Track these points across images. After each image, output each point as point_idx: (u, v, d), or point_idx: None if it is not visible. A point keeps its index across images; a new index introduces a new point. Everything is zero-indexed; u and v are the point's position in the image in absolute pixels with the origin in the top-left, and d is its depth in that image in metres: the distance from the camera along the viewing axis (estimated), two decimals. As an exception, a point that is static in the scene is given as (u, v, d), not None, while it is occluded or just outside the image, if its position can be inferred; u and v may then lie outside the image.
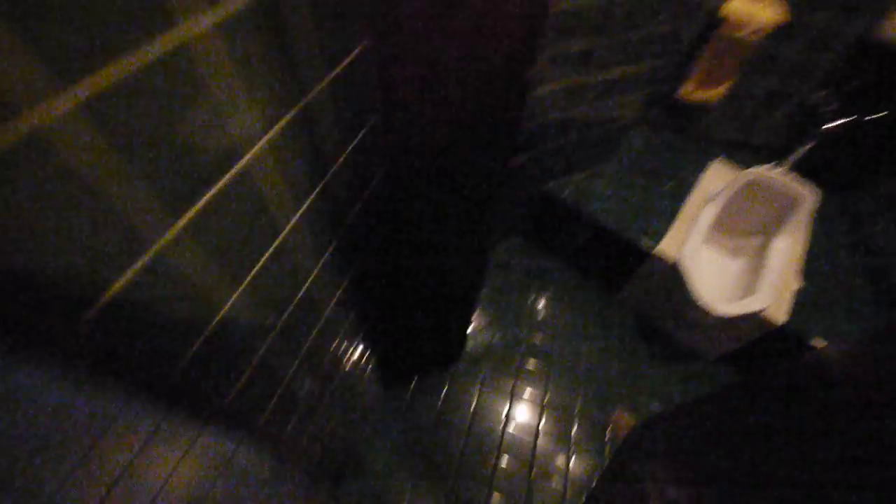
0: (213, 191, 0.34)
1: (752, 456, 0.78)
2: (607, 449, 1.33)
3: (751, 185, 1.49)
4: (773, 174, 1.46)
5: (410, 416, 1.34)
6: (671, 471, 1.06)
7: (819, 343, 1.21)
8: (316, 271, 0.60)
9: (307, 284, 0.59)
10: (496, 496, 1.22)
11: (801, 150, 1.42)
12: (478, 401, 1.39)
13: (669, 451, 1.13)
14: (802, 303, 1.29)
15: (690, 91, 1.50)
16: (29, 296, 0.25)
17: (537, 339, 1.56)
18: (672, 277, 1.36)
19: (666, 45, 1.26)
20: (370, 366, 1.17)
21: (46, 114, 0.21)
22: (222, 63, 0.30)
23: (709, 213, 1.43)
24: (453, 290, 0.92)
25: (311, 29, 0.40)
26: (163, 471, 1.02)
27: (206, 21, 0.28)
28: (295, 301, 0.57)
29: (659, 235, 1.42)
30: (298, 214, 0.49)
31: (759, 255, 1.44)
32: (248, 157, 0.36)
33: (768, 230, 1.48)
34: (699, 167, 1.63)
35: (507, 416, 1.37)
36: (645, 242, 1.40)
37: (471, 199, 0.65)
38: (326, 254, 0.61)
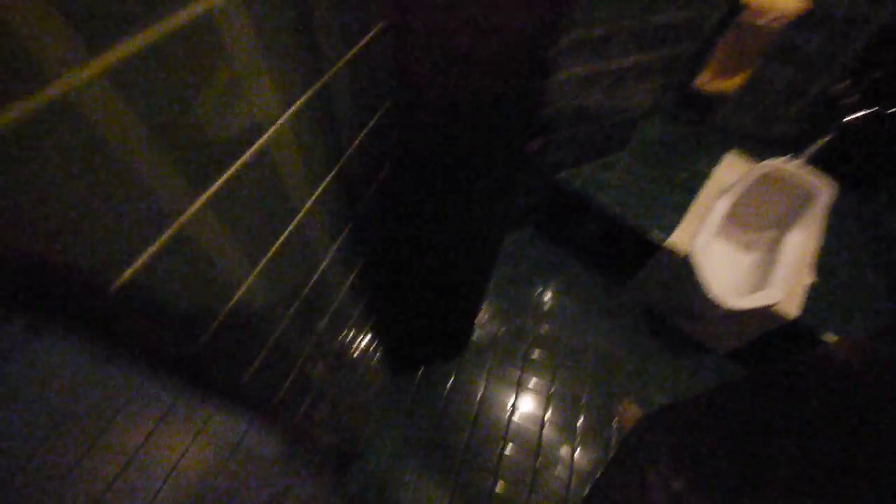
0: (235, 167, 0.33)
1: (759, 450, 0.78)
2: (613, 440, 1.33)
3: (765, 178, 1.46)
4: (788, 167, 1.43)
5: (417, 405, 1.35)
6: (676, 463, 1.06)
7: (831, 338, 1.20)
8: (330, 256, 0.60)
9: (321, 269, 0.59)
10: (501, 484, 1.23)
11: (819, 143, 1.39)
12: (484, 390, 1.40)
13: (675, 443, 1.13)
14: (815, 298, 1.27)
15: (707, 81, 1.47)
16: (58, 266, 0.25)
17: (544, 329, 1.55)
18: (682, 270, 1.34)
19: (685, 32, 1.23)
20: (377, 355, 1.17)
21: (75, 81, 0.21)
22: (245, 35, 0.30)
23: (722, 206, 1.41)
24: (464, 279, 0.91)
25: (332, 5, 0.39)
26: (176, 450, 1.05)
27: (229, -10, 0.27)
28: (309, 285, 0.57)
29: (670, 228, 1.40)
30: (314, 197, 0.49)
31: (772, 249, 1.42)
32: (268, 134, 0.36)
33: (782, 224, 1.46)
34: (713, 159, 1.61)
35: (513, 406, 1.38)
36: (656, 234, 1.39)
37: (486, 183, 0.64)
38: (341, 237, 0.60)
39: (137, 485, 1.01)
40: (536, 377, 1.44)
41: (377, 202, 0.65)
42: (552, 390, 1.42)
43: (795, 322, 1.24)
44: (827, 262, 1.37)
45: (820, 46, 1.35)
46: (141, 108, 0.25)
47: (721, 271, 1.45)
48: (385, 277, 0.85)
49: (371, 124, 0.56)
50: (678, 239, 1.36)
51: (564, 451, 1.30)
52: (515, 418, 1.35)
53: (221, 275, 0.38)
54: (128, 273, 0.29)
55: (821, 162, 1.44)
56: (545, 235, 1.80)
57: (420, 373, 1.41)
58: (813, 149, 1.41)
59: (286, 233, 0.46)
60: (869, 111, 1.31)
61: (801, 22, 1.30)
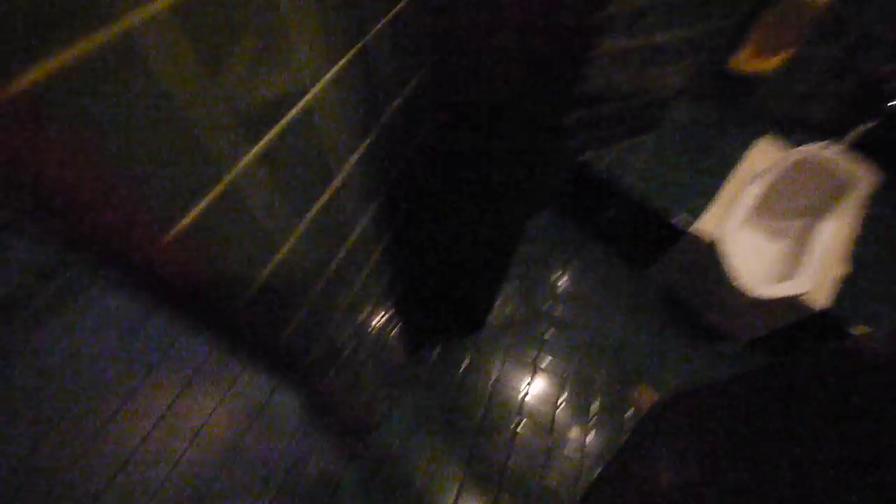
0: (282, 122, 0.33)
1: (776, 442, 0.77)
2: (627, 423, 1.34)
3: (801, 165, 1.40)
4: (826, 153, 1.37)
5: (433, 381, 1.37)
6: (690, 449, 1.06)
7: (860, 330, 1.16)
8: (361, 226, 0.59)
9: (352, 238, 0.59)
10: (514, 459, 1.25)
11: (861, 129, 1.32)
12: (499, 369, 1.41)
13: (690, 429, 1.13)
14: (847, 289, 1.23)
15: (744, 60, 1.40)
16: (116, 213, 0.25)
17: (561, 311, 1.55)
18: (707, 257, 1.31)
19: (724, 7, 1.17)
20: (396, 330, 1.19)
21: (138, 19, 0.21)
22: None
23: (752, 193, 1.37)
24: (488, 257, 0.91)
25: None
26: (202, 412, 1.09)
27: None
28: (340, 254, 0.57)
29: (697, 213, 1.37)
30: (352, 161, 0.48)
31: (803, 238, 1.38)
32: (314, 90, 0.35)
33: (815, 212, 1.40)
34: (745, 143, 1.55)
35: (528, 385, 1.39)
36: (682, 220, 1.36)
37: (521, 155, 0.63)
38: (371, 207, 0.60)
39: (165, 445, 1.06)
40: (552, 358, 1.44)
41: (410, 170, 0.65)
42: (567, 372, 1.42)
43: (823, 313, 1.20)
44: (863, 254, 1.32)
45: (868, 24, 1.27)
46: (200, 45, 0.24)
47: (748, 259, 1.42)
48: (410, 253, 0.85)
49: (407, 91, 0.54)
50: (705, 224, 1.33)
51: (578, 431, 1.31)
52: (530, 398, 1.36)
53: (264, 234, 0.38)
54: (182, 224, 0.29)
55: (862, 149, 1.38)
56: (565, 217, 1.77)
57: (437, 350, 1.43)
58: (854, 134, 1.34)
59: (326, 195, 0.45)
60: (919, 95, 1.24)
61: (852, -3, 1.22)
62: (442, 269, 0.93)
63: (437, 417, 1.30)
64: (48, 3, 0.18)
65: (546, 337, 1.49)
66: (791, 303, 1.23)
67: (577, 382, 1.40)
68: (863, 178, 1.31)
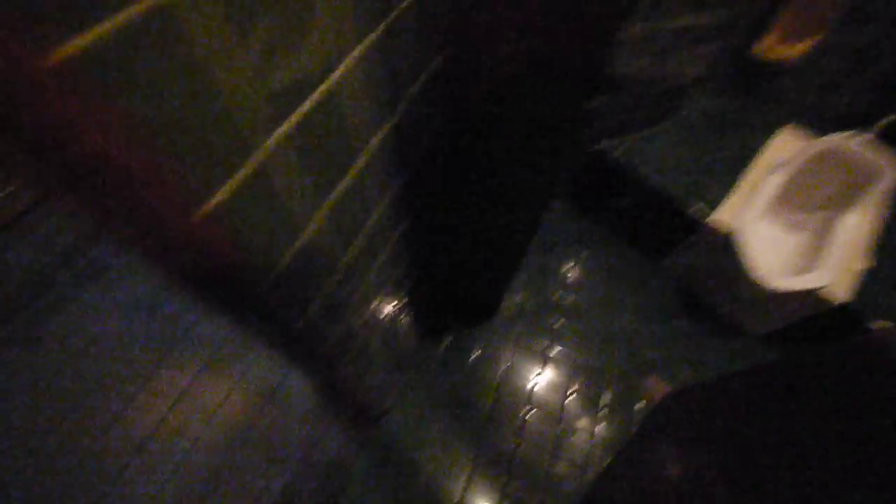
0: (312, 99, 0.32)
1: (789, 437, 0.76)
2: (637, 415, 1.34)
3: (824, 155, 1.37)
4: (851, 144, 1.33)
5: (444, 369, 1.38)
6: (701, 441, 1.05)
7: (881, 325, 1.14)
8: (382, 208, 0.59)
9: (373, 221, 0.59)
10: (524, 447, 1.26)
11: (891, 118, 1.28)
12: (510, 358, 1.41)
13: (700, 422, 1.12)
14: (868, 283, 1.21)
15: (768, 47, 1.36)
16: (149, 187, 0.25)
17: (573, 301, 1.54)
18: (724, 248, 1.29)
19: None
20: (409, 318, 1.19)
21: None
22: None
23: (773, 183, 1.33)
24: (505, 245, 0.90)
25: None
26: (219, 394, 1.10)
27: None
28: (362, 236, 0.57)
29: (714, 204, 1.34)
30: (373, 144, 0.48)
31: (823, 230, 1.35)
32: (340, 69, 0.35)
33: (836, 205, 1.37)
34: (766, 133, 1.51)
35: (538, 374, 1.39)
36: (698, 210, 1.33)
37: (540, 141, 0.62)
38: (392, 191, 0.60)
39: (183, 425, 1.08)
40: (562, 348, 1.44)
41: (427, 159, 0.64)
42: (578, 362, 1.42)
43: (843, 307, 1.18)
44: (886, 248, 1.28)
45: (905, 8, 1.22)
46: (233, 22, 0.24)
47: (766, 251, 1.39)
48: (424, 241, 0.85)
49: (427, 74, 0.54)
50: (723, 216, 1.30)
51: (588, 421, 1.32)
52: (539, 387, 1.37)
53: (289, 217, 0.38)
54: (212, 203, 0.29)
55: (888, 140, 1.33)
56: (579, 206, 1.75)
57: (448, 339, 1.43)
58: (882, 125, 1.30)
59: (347, 180, 0.45)
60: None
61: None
62: (456, 258, 0.93)
63: (448, 405, 1.32)
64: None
65: (557, 327, 1.49)
66: (809, 296, 1.20)
67: (587, 373, 1.40)
68: (888, 171, 1.27)
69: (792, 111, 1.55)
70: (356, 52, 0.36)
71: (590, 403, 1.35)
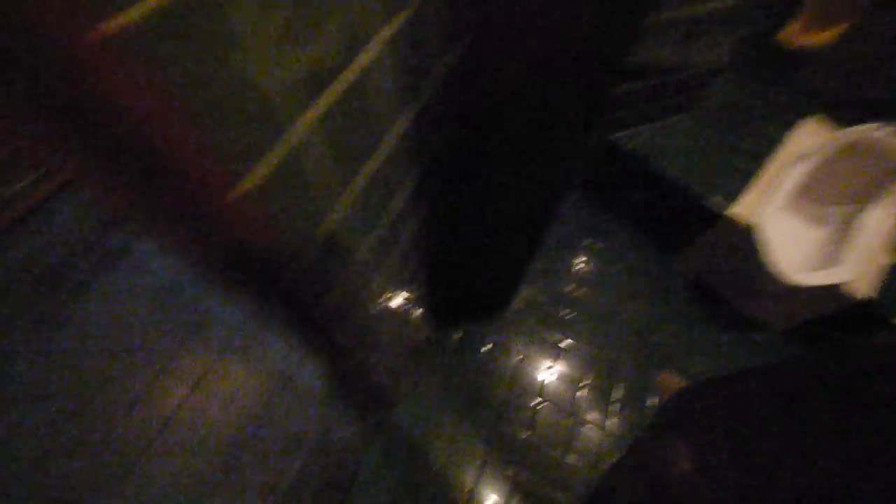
0: (342, 80, 0.32)
1: (806, 436, 0.75)
2: (649, 409, 1.33)
3: (850, 147, 1.32)
4: (879, 135, 1.29)
5: (457, 360, 1.39)
6: (714, 437, 1.04)
7: (905, 322, 1.11)
8: (403, 196, 0.59)
9: (393, 209, 0.59)
10: (536, 439, 1.26)
11: (921, 108, 1.23)
12: (522, 351, 1.41)
13: (716, 417, 1.11)
14: (893, 278, 1.18)
15: (794, 34, 1.32)
16: (188, 165, 0.25)
17: (586, 294, 1.53)
18: (743, 242, 1.27)
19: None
20: (422, 308, 1.20)
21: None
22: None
23: (795, 176, 1.30)
24: (519, 237, 0.90)
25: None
26: (236, 378, 1.13)
27: None
28: (382, 224, 0.57)
29: (733, 197, 1.31)
30: (397, 130, 0.48)
31: (847, 225, 1.31)
32: (368, 52, 0.35)
33: (862, 198, 1.33)
34: (789, 124, 1.46)
35: (551, 367, 1.39)
36: (717, 203, 1.31)
37: (562, 129, 0.61)
38: (412, 179, 0.60)
39: (201, 409, 1.11)
40: (575, 341, 1.44)
41: (447, 147, 0.64)
42: (590, 356, 1.41)
43: (865, 303, 1.15)
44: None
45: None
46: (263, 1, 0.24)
47: (787, 245, 1.36)
48: (442, 231, 0.85)
49: (451, 58, 0.53)
50: (742, 209, 1.28)
51: (599, 414, 1.31)
52: (551, 380, 1.37)
53: (317, 201, 0.38)
54: (246, 183, 0.29)
55: (919, 130, 1.28)
56: (593, 198, 1.73)
57: (461, 330, 1.44)
58: (912, 114, 1.25)
59: (371, 165, 0.45)
60: None
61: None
62: (472, 250, 0.93)
63: (460, 396, 1.32)
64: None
65: (569, 320, 1.48)
66: (831, 291, 1.18)
67: (599, 366, 1.39)
68: (918, 162, 1.23)
69: (816, 101, 1.51)
70: (384, 34, 0.36)
71: (602, 397, 1.34)
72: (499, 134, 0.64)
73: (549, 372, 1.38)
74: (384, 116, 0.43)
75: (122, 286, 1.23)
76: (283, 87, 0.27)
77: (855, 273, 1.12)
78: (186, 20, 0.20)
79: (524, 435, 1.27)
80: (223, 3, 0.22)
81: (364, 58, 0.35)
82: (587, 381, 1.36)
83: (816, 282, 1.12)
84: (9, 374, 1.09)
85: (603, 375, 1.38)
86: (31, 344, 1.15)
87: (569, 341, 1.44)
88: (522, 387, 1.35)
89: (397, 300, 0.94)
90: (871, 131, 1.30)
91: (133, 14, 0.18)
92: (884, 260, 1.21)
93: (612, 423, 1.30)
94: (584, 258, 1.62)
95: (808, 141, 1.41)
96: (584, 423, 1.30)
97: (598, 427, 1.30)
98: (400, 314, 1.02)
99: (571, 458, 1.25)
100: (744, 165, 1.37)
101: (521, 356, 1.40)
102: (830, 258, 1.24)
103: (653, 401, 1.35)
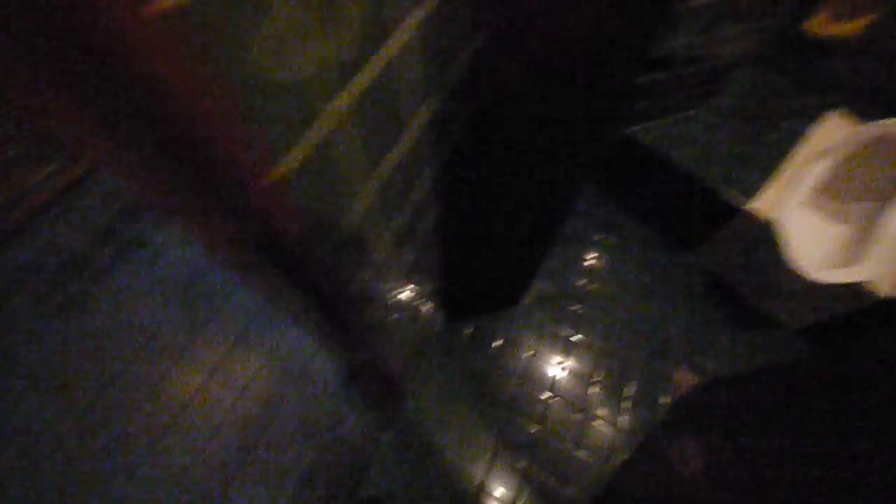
0: (373, 66, 0.32)
1: (824, 438, 0.73)
2: (661, 405, 1.32)
3: (875, 142, 1.28)
4: (907, 129, 1.25)
5: (468, 354, 1.39)
6: (727, 435, 1.03)
7: (931, 322, 1.09)
8: (422, 187, 0.59)
9: (414, 200, 0.58)
10: (546, 433, 1.26)
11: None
12: (533, 346, 1.41)
13: (728, 416, 1.09)
14: (918, 277, 1.14)
15: (821, 23, 1.27)
16: (230, 145, 0.25)
17: (598, 290, 1.52)
18: (761, 238, 1.24)
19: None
20: (435, 301, 1.20)
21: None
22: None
23: (818, 171, 1.27)
24: (538, 227, 0.89)
25: None
26: (251, 367, 1.14)
27: None
28: (402, 215, 0.57)
29: (752, 192, 1.29)
30: (419, 119, 0.47)
31: (871, 222, 1.28)
32: (401, 33, 0.34)
33: (887, 195, 1.29)
34: (813, 117, 1.42)
35: (562, 362, 1.38)
36: (735, 198, 1.28)
37: (586, 118, 0.60)
38: (432, 170, 0.59)
39: (218, 396, 1.13)
40: (586, 336, 1.43)
41: (467, 138, 0.63)
42: (602, 351, 1.40)
43: (887, 302, 1.13)
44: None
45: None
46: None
47: (808, 241, 1.33)
48: (459, 223, 0.84)
49: (473, 47, 0.52)
50: (762, 203, 1.25)
51: (611, 411, 1.31)
52: (563, 375, 1.36)
53: (345, 188, 0.38)
54: (282, 167, 0.29)
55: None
56: (604, 192, 1.71)
57: (472, 324, 1.44)
58: (943, 108, 1.21)
59: (394, 155, 0.45)
60: None
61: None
62: (486, 244, 0.92)
63: (470, 389, 1.33)
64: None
65: (581, 315, 1.47)
66: (852, 290, 1.15)
67: (611, 362, 1.39)
68: (949, 158, 1.19)
69: (842, 94, 1.46)
70: (416, 17, 0.35)
71: (614, 393, 1.34)
72: (519, 125, 0.63)
73: (560, 367, 1.37)
74: (409, 106, 0.43)
75: (140, 275, 1.25)
76: (317, 69, 0.27)
77: (877, 271, 1.10)
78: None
79: (534, 429, 1.27)
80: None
81: (395, 42, 0.34)
82: (599, 378, 1.36)
83: (837, 279, 1.09)
84: (32, 359, 1.12)
85: (615, 372, 1.37)
86: (53, 330, 1.18)
87: (580, 336, 1.43)
88: (533, 382, 1.35)
89: (411, 293, 0.94)
90: (898, 126, 1.25)
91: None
92: (909, 258, 1.17)
93: (624, 419, 1.30)
94: (597, 253, 1.60)
95: (832, 135, 1.37)
96: (595, 419, 1.30)
97: (609, 423, 1.29)
98: (412, 307, 1.02)
99: (582, 454, 1.25)
100: (765, 159, 1.34)
101: (533, 351, 1.40)
102: (852, 256, 1.22)
103: (665, 398, 1.34)
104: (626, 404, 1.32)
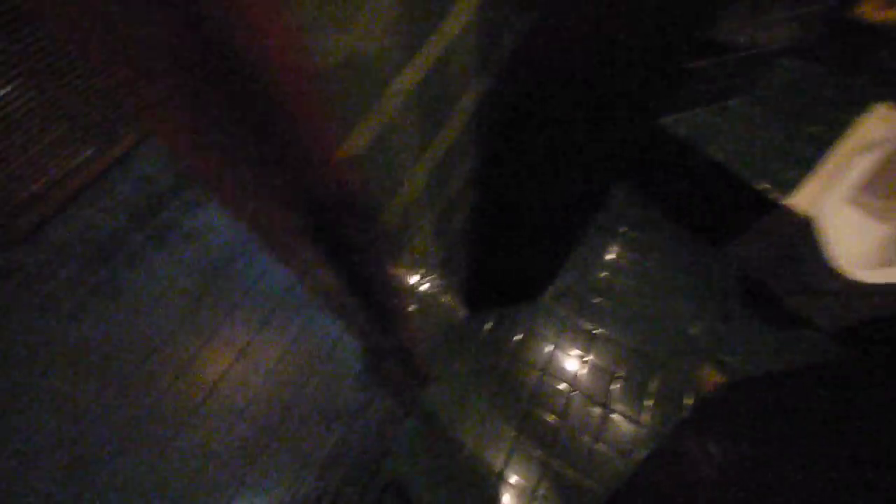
0: (435, 46, 0.31)
1: (850, 441, 0.70)
2: (685, 402, 1.30)
3: (928, 135, 1.21)
4: (964, 122, 1.18)
5: (490, 346, 1.39)
6: (754, 435, 1.01)
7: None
8: (461, 176, 0.58)
9: (453, 188, 0.58)
10: (567, 426, 1.26)
11: None
12: (554, 340, 1.40)
13: (753, 417, 1.07)
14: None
15: (874, 7, 1.20)
16: (304, 125, 0.25)
17: (623, 284, 1.49)
18: (799, 235, 1.20)
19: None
20: (459, 291, 1.20)
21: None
22: None
23: (861, 166, 1.21)
24: (569, 219, 0.87)
25: None
26: (277, 350, 1.17)
27: None
28: (440, 203, 0.57)
29: (791, 186, 1.24)
30: (465, 105, 0.46)
31: (917, 220, 1.21)
32: (460, 14, 0.33)
33: (937, 192, 1.23)
34: (858, 109, 1.35)
35: (583, 357, 1.37)
36: (772, 192, 1.23)
37: (631, 102, 0.58)
38: (472, 159, 0.58)
39: (245, 377, 1.16)
40: (610, 332, 1.41)
41: (508, 126, 0.62)
42: (624, 347, 1.39)
43: (934, 305, 1.07)
44: None
45: None
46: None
47: (850, 239, 1.28)
48: (489, 216, 0.83)
49: (520, 32, 0.51)
50: (801, 199, 1.20)
51: (632, 406, 1.29)
52: (585, 369, 1.35)
53: (399, 170, 0.38)
54: (350, 146, 0.28)
55: None
56: (631, 185, 1.67)
57: (494, 316, 1.44)
58: None
59: (439, 143, 0.44)
60: None
61: None
62: (515, 238, 0.91)
63: (492, 380, 1.33)
64: None
65: (604, 310, 1.45)
66: (895, 291, 1.10)
67: (634, 358, 1.37)
68: None
69: (890, 86, 1.38)
70: (471, 6, 0.34)
71: (636, 389, 1.32)
72: (560, 112, 0.62)
73: (581, 361, 1.36)
74: (457, 88, 0.42)
75: (172, 258, 1.28)
76: (386, 47, 0.27)
77: (925, 272, 1.04)
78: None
79: (554, 421, 1.27)
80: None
81: (455, 20, 0.33)
82: (621, 373, 1.34)
83: (879, 280, 1.05)
84: (70, 337, 1.17)
85: (637, 367, 1.35)
86: (88, 310, 1.22)
87: (602, 330, 1.41)
88: (554, 375, 1.34)
89: (437, 284, 0.94)
90: (954, 118, 1.18)
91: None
92: (959, 259, 1.11)
93: (646, 416, 1.28)
94: (623, 247, 1.57)
95: (878, 129, 1.30)
96: (616, 413, 1.28)
97: (630, 419, 1.28)
98: (438, 296, 1.02)
99: (602, 447, 1.24)
100: (805, 153, 1.28)
101: (553, 346, 1.39)
102: (894, 256, 1.16)
103: (689, 396, 1.31)
104: (649, 401, 1.30)
